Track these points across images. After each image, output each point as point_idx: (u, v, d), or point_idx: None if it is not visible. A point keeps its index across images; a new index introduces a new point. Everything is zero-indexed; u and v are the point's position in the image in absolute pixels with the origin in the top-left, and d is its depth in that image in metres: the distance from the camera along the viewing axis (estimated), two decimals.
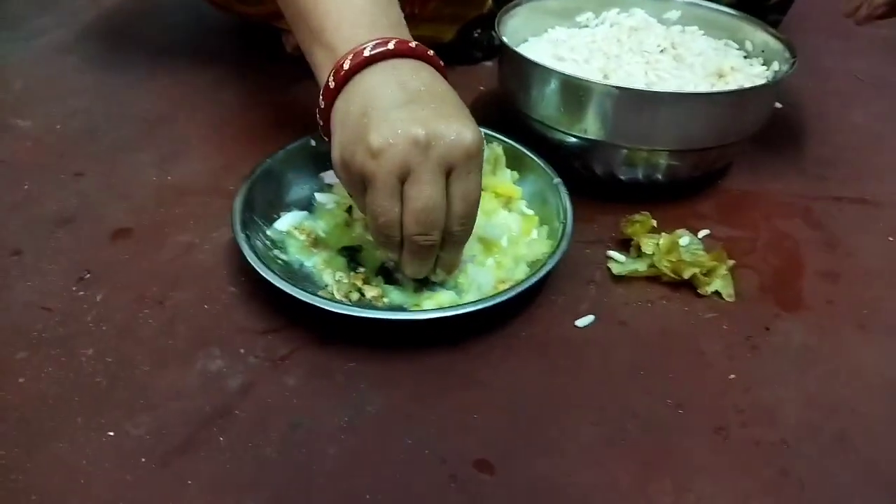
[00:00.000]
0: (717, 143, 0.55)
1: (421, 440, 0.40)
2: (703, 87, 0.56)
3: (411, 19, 0.47)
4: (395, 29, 0.45)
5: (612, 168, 0.56)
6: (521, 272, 0.48)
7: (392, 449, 0.39)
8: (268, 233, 0.50)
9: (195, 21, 0.88)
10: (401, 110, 0.41)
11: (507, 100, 0.61)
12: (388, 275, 0.49)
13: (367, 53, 0.42)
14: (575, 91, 0.53)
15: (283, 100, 0.72)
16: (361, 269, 0.49)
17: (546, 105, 0.55)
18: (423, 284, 0.47)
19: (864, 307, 0.50)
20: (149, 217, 0.55)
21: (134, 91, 0.73)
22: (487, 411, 0.42)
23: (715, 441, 0.41)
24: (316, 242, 0.50)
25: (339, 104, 0.43)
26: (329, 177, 0.55)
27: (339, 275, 0.48)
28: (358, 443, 0.40)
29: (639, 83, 0.56)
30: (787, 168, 0.65)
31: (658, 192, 0.58)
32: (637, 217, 0.53)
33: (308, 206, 0.54)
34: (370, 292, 0.47)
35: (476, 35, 0.78)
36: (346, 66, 0.42)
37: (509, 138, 0.56)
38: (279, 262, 0.48)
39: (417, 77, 0.43)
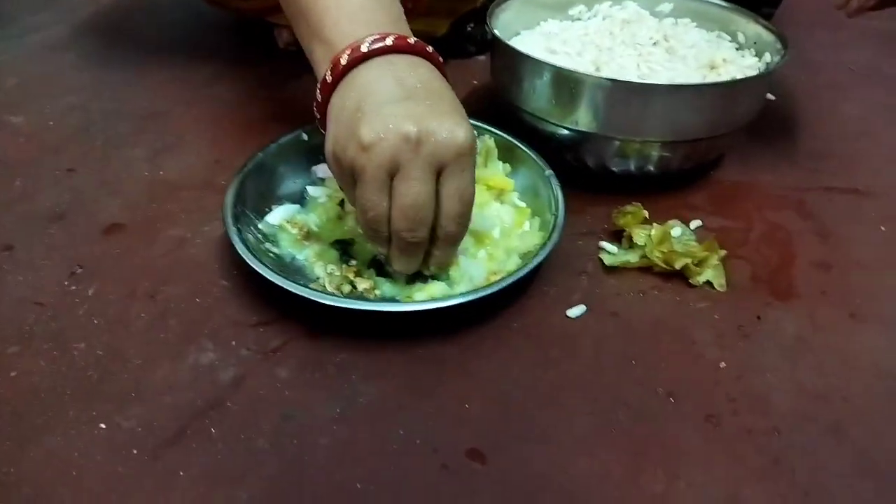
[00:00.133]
0: (709, 135, 0.55)
1: (413, 430, 0.40)
2: (696, 79, 0.57)
3: (405, 13, 0.47)
4: (394, 24, 0.45)
5: (604, 160, 0.56)
6: (512, 264, 0.48)
7: (384, 439, 0.39)
8: (259, 226, 0.50)
9: (190, 17, 0.88)
10: (394, 106, 0.41)
11: (499, 93, 0.61)
12: (379, 267, 0.49)
13: (364, 49, 0.42)
14: (566, 83, 0.53)
15: (277, 96, 0.72)
16: (353, 262, 0.49)
17: (538, 97, 0.55)
18: (415, 277, 0.47)
19: (856, 296, 0.51)
20: (141, 212, 0.55)
21: (128, 87, 0.73)
22: (479, 402, 0.42)
23: (706, 429, 0.41)
24: (308, 236, 0.50)
25: (336, 99, 0.44)
26: (321, 170, 0.55)
27: (330, 267, 0.48)
28: (350, 433, 0.40)
29: (631, 75, 0.56)
30: (779, 159, 0.65)
31: (650, 183, 0.58)
32: (629, 208, 0.53)
33: (300, 199, 0.54)
34: (362, 284, 0.47)
35: (469, 29, 0.78)
36: (343, 61, 0.42)
37: (501, 131, 0.56)
38: (271, 255, 0.48)
39: (414, 73, 0.43)
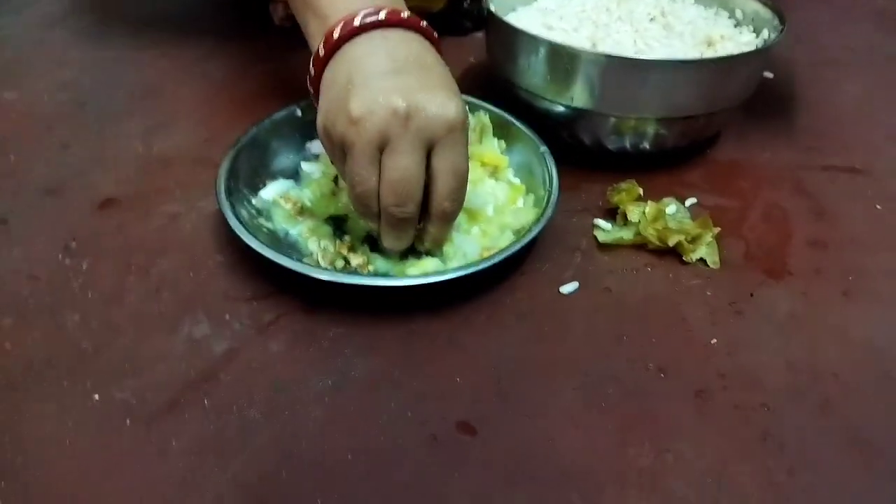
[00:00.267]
0: (705, 111, 0.55)
1: (404, 403, 0.40)
2: (693, 56, 0.56)
3: None
4: None
5: (600, 137, 0.56)
6: (506, 240, 0.48)
7: (375, 412, 0.40)
8: (253, 202, 0.50)
9: None
10: (385, 80, 0.40)
11: (494, 69, 0.61)
12: (373, 243, 0.49)
13: (356, 23, 0.42)
14: (562, 59, 0.53)
15: (272, 71, 0.71)
16: (347, 238, 0.49)
17: (533, 74, 0.55)
18: (409, 252, 0.48)
19: (850, 274, 0.51)
20: (135, 187, 0.55)
21: (122, 63, 0.73)
22: (471, 376, 0.42)
23: (696, 405, 0.41)
24: (301, 211, 0.50)
25: (328, 73, 0.43)
26: (315, 146, 0.55)
27: (324, 243, 0.48)
28: (341, 406, 0.40)
29: (627, 51, 0.56)
30: (776, 137, 0.65)
31: (646, 161, 0.58)
32: (623, 185, 0.53)
33: (294, 175, 0.54)
34: (355, 260, 0.47)
35: (466, 5, 0.78)
36: (335, 35, 0.42)
37: (497, 107, 0.56)
38: (264, 230, 0.48)
39: (406, 48, 0.43)
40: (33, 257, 0.49)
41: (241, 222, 0.46)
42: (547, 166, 0.51)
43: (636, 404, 0.41)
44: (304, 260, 0.47)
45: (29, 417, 0.39)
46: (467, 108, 0.55)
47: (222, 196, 0.47)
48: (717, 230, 0.51)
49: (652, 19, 0.60)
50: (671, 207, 0.52)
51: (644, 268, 0.50)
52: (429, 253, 0.48)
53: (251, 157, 0.52)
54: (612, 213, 0.54)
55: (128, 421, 0.38)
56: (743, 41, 0.59)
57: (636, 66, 0.52)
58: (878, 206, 0.57)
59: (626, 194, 0.53)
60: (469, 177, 0.51)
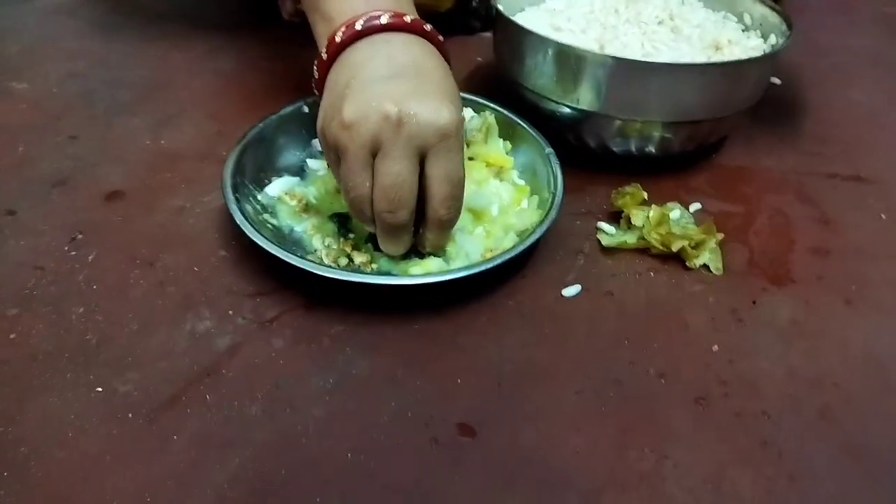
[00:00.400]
0: (711, 116, 0.55)
1: (405, 403, 0.40)
2: (700, 59, 0.56)
3: None
4: (395, 0, 0.44)
5: (605, 139, 0.56)
6: (509, 241, 0.48)
7: (375, 411, 0.40)
8: (258, 197, 0.51)
9: None
10: (380, 84, 0.40)
11: (501, 69, 0.61)
12: (377, 241, 0.49)
13: (358, 27, 0.42)
14: (568, 60, 0.53)
15: (280, 67, 0.71)
16: (351, 236, 0.49)
17: (540, 74, 0.55)
18: (412, 251, 0.48)
19: (852, 283, 0.51)
20: (142, 180, 0.56)
21: (131, 56, 0.73)
22: (472, 377, 0.42)
23: (696, 411, 0.41)
24: (306, 208, 0.51)
25: (330, 76, 0.44)
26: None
27: (328, 240, 0.48)
28: (342, 404, 0.40)
29: (635, 54, 0.55)
30: (781, 144, 0.65)
31: (651, 165, 0.58)
32: (628, 189, 0.53)
33: (299, 171, 0.54)
34: (359, 258, 0.47)
35: (474, 4, 0.78)
36: (337, 39, 0.42)
37: (503, 108, 0.56)
38: (269, 226, 0.49)
39: (407, 52, 0.42)
40: (40, 249, 0.49)
41: (246, 218, 0.46)
42: (552, 168, 0.52)
43: (637, 409, 0.41)
44: (308, 257, 0.47)
45: (32, 409, 0.39)
46: (472, 110, 0.56)
47: (228, 191, 0.47)
48: (720, 236, 0.51)
49: (660, 22, 0.60)
50: (675, 212, 0.52)
51: (647, 272, 0.50)
52: (431, 253, 0.48)
53: (257, 152, 0.52)
54: (616, 217, 0.54)
55: (130, 414, 0.39)
56: (750, 46, 0.59)
57: (643, 68, 0.52)
58: (883, 216, 0.57)
59: (631, 198, 0.53)
60: (474, 177, 0.51)
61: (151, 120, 0.63)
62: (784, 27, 0.59)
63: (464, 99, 0.53)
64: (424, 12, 0.45)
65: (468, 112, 0.56)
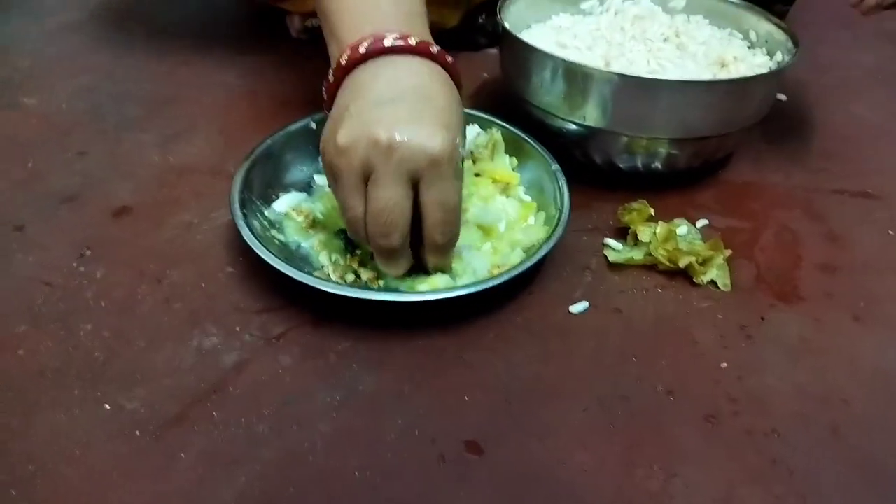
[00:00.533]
0: (718, 133, 0.55)
1: (412, 420, 0.40)
2: (706, 76, 0.56)
3: None
4: (407, 20, 0.44)
5: (612, 156, 0.56)
6: (516, 258, 0.48)
7: (383, 428, 0.40)
8: (266, 213, 0.51)
9: (205, 3, 0.88)
10: (377, 109, 0.40)
11: (508, 86, 0.61)
12: None
13: (362, 50, 0.42)
14: (575, 77, 0.53)
15: (288, 83, 0.72)
16: (358, 252, 0.49)
17: (546, 91, 0.55)
18: (418, 268, 0.48)
19: (861, 299, 0.50)
20: (150, 196, 0.56)
21: (140, 72, 0.74)
22: (479, 394, 0.42)
23: (705, 429, 0.41)
24: (313, 224, 0.51)
25: (337, 98, 0.44)
26: None
27: (335, 256, 0.48)
28: (349, 421, 0.40)
29: (641, 71, 0.56)
30: (788, 160, 0.65)
31: (657, 181, 0.58)
32: (634, 205, 0.53)
33: (307, 187, 0.54)
34: (365, 275, 0.47)
35: (481, 21, 0.78)
36: (343, 62, 0.43)
37: (509, 124, 0.56)
38: (276, 242, 0.49)
39: (412, 75, 0.42)
40: (48, 264, 0.49)
41: (253, 234, 0.46)
42: (558, 184, 0.52)
43: (645, 426, 0.41)
44: (315, 273, 0.47)
45: (39, 425, 0.39)
46: (478, 126, 0.56)
47: (236, 207, 0.48)
48: (728, 252, 0.51)
49: (666, 39, 0.60)
50: (682, 228, 0.52)
51: (654, 289, 0.50)
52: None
53: (265, 168, 0.52)
54: (623, 233, 0.54)
55: (137, 432, 0.39)
56: (756, 63, 0.59)
57: (649, 85, 0.52)
58: (891, 232, 0.57)
59: (638, 214, 0.53)
60: (481, 193, 0.51)
61: (160, 135, 0.63)
62: (790, 44, 0.60)
63: (470, 115, 0.54)
64: (430, 29, 0.45)
65: (474, 128, 0.56)
